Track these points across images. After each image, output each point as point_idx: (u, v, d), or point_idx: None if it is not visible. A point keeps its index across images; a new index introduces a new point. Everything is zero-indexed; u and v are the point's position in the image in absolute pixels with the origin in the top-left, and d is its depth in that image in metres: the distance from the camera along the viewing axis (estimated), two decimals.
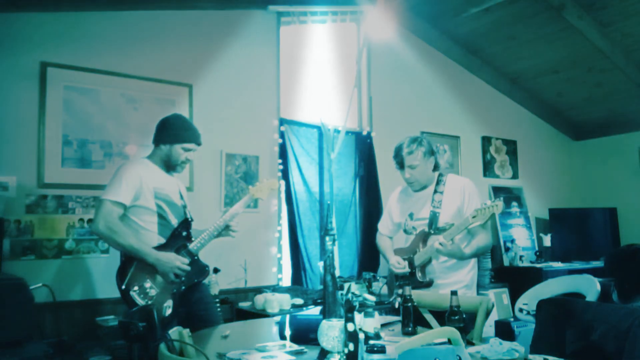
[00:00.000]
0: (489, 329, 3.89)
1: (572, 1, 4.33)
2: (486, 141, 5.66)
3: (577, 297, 3.26)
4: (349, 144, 4.55)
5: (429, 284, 2.62)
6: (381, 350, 1.64)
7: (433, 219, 2.63)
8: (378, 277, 3.99)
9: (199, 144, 2.65)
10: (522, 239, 5.59)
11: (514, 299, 4.12)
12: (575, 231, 5.71)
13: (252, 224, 3.87)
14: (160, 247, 2.46)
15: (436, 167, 2.75)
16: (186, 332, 1.69)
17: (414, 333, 2.02)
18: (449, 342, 1.43)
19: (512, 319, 4.10)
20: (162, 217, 2.51)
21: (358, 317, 1.60)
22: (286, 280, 4.05)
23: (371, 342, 1.69)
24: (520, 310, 3.70)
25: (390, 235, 2.94)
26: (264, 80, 4.16)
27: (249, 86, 4.05)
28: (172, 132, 2.58)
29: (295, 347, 1.83)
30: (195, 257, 2.55)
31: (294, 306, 3.50)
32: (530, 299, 3.64)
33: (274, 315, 3.14)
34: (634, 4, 4.22)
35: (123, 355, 2.68)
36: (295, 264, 4.05)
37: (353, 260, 4.46)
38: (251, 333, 2.27)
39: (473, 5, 4.45)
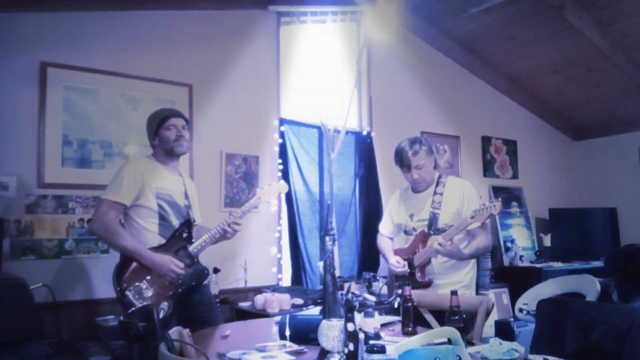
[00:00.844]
0: (489, 329, 3.90)
1: (572, 1, 4.33)
2: (486, 141, 5.66)
3: (577, 297, 3.26)
4: (349, 144, 4.55)
5: (428, 284, 2.63)
6: (381, 350, 1.64)
7: (433, 220, 2.64)
8: (378, 277, 3.99)
9: (178, 116, 2.58)
10: (522, 239, 5.59)
11: (514, 299, 4.12)
12: (575, 231, 5.71)
13: (252, 224, 3.87)
14: (159, 248, 2.44)
15: (435, 165, 2.77)
16: (186, 332, 1.69)
17: (414, 333, 2.02)
18: (449, 342, 1.43)
19: (512, 319, 4.11)
20: (163, 217, 2.48)
21: (358, 317, 1.60)
22: (286, 280, 4.05)
23: (371, 342, 1.69)
24: (520, 310, 3.70)
25: (390, 237, 2.95)
26: (264, 80, 4.16)
27: (249, 86, 4.05)
28: (151, 123, 2.57)
29: (295, 347, 1.83)
30: (195, 260, 2.52)
31: (294, 306, 3.50)
32: (530, 299, 3.64)
33: (274, 315, 3.14)
34: (634, 4, 4.22)
35: (123, 355, 2.68)
36: (295, 264, 4.05)
37: (353, 260, 4.46)
38: (251, 333, 2.27)
39: (473, 5, 4.45)
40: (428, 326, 2.33)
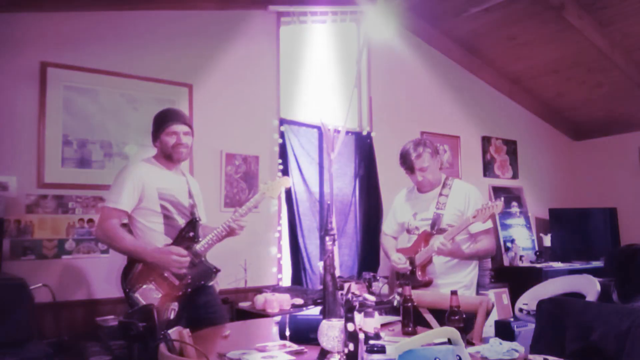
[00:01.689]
0: (489, 329, 3.90)
1: (572, 1, 4.33)
2: (486, 141, 5.66)
3: (577, 297, 3.26)
4: (349, 144, 4.55)
5: (428, 283, 2.63)
6: (381, 350, 1.64)
7: (436, 220, 2.65)
8: (378, 277, 3.99)
9: (180, 122, 2.55)
10: (522, 239, 5.59)
11: (514, 299, 4.12)
12: (575, 231, 5.71)
13: (252, 224, 3.86)
14: (165, 248, 2.43)
15: (441, 166, 2.78)
16: (186, 332, 1.69)
17: (414, 333, 2.02)
18: (449, 342, 1.43)
19: (512, 319, 4.10)
20: (167, 217, 2.47)
21: (358, 317, 1.60)
22: (286, 280, 4.05)
23: (371, 342, 1.69)
24: (520, 310, 3.70)
25: (394, 236, 2.96)
26: (264, 80, 4.16)
27: (249, 86, 4.05)
28: (155, 125, 2.56)
29: (295, 347, 1.83)
30: (202, 259, 2.51)
31: (294, 306, 3.50)
32: (530, 299, 3.64)
33: (274, 315, 3.14)
34: (634, 4, 4.22)
35: (123, 355, 2.68)
36: (295, 264, 4.04)
37: (353, 260, 4.46)
38: (251, 333, 2.27)
39: (473, 5, 4.45)
40: (428, 326, 2.33)
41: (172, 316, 2.34)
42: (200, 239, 2.51)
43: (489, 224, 2.61)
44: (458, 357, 1.38)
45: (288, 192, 4.06)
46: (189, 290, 2.43)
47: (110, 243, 2.39)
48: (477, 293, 2.80)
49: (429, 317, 2.42)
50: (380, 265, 4.36)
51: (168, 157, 2.54)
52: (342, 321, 1.52)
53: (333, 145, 4.13)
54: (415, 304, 2.11)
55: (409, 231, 2.81)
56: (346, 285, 1.79)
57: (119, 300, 3.28)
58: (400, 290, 2.12)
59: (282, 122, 4.17)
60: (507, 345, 1.70)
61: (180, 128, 2.53)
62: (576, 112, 6.03)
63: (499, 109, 5.82)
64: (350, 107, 4.39)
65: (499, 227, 5.43)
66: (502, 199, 2.42)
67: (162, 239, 2.45)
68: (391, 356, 1.56)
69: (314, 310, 2.45)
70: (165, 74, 3.66)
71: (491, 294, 4.66)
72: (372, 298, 3.52)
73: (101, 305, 3.24)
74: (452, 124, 5.32)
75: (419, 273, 2.65)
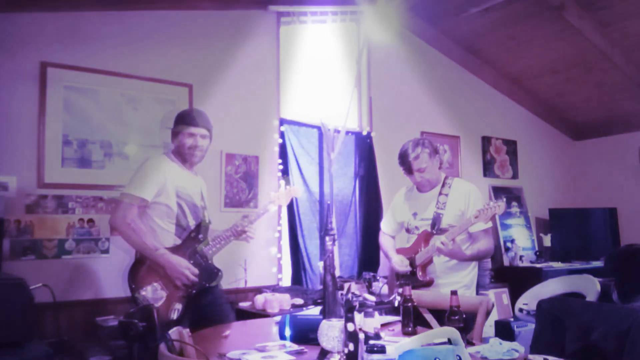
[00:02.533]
0: (489, 329, 3.90)
1: (572, 1, 4.33)
2: (486, 141, 5.66)
3: (577, 297, 3.26)
4: (349, 144, 4.55)
5: (429, 283, 2.63)
6: (381, 350, 1.64)
7: (436, 219, 2.64)
8: (378, 277, 3.99)
9: (200, 126, 2.56)
10: (522, 239, 5.59)
11: (514, 299, 4.12)
12: (575, 231, 5.71)
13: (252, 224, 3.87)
14: (174, 248, 2.45)
15: (440, 165, 2.77)
16: (186, 332, 1.69)
17: (414, 333, 2.02)
18: (449, 342, 1.43)
19: (512, 319, 4.11)
20: (180, 217, 2.50)
21: (358, 317, 1.60)
22: (286, 280, 4.05)
23: (371, 342, 1.69)
24: (520, 310, 3.70)
25: (392, 235, 2.95)
26: (264, 80, 4.16)
27: (249, 86, 4.05)
28: (175, 123, 2.59)
29: (295, 347, 1.83)
30: (209, 261, 2.53)
31: (294, 306, 3.50)
32: (530, 299, 3.64)
33: (274, 315, 3.14)
34: (634, 4, 4.22)
35: (123, 355, 2.68)
36: (295, 264, 4.04)
37: (353, 260, 4.46)
38: (251, 333, 2.27)
39: (473, 5, 4.44)
40: (428, 326, 2.33)
41: (175, 316, 2.36)
42: (208, 242, 2.54)
43: (488, 224, 2.60)
44: (458, 357, 1.38)
45: None
46: (193, 291, 2.44)
47: (130, 234, 2.37)
48: (477, 293, 2.80)
49: (429, 317, 2.42)
50: (380, 265, 4.36)
51: (182, 157, 2.57)
52: (342, 321, 1.52)
53: (333, 145, 4.13)
54: (415, 304, 2.11)
55: (408, 231, 2.80)
56: (346, 285, 1.79)
57: (119, 300, 3.28)
58: (400, 290, 2.12)
59: (282, 122, 4.17)
60: (507, 345, 1.70)
61: (198, 131, 2.56)
62: (576, 112, 6.03)
63: (499, 109, 5.82)
64: (350, 107, 4.39)
65: (499, 227, 5.43)
66: (504, 199, 2.42)
67: (172, 239, 2.47)
68: (391, 356, 1.56)
69: (314, 310, 2.45)
70: (165, 74, 3.66)
71: (491, 294, 4.66)
72: (372, 298, 3.52)
73: (101, 305, 3.24)
74: (452, 124, 5.32)
75: (419, 273, 2.65)
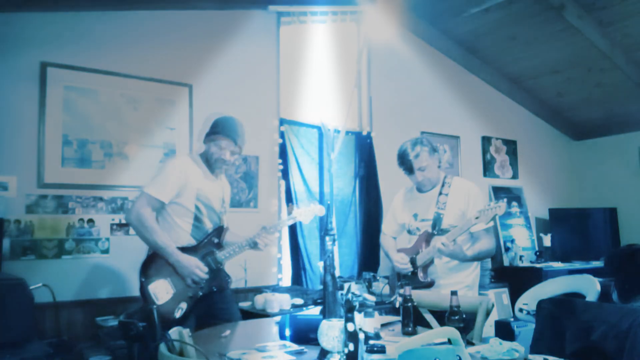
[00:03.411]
0: (489, 329, 3.90)
1: (572, 1, 4.33)
2: (486, 141, 5.66)
3: (577, 297, 3.26)
4: (349, 144, 4.55)
5: (430, 284, 2.62)
6: (381, 350, 1.64)
7: (437, 220, 2.63)
8: (378, 277, 3.99)
9: (231, 139, 2.54)
10: (522, 239, 5.59)
11: (514, 299, 4.12)
12: (575, 231, 5.71)
13: (252, 223, 3.87)
14: (189, 249, 2.47)
15: (439, 164, 2.76)
16: (186, 332, 1.69)
17: (414, 333, 2.02)
18: (449, 342, 1.43)
19: (512, 319, 4.11)
20: (198, 218, 2.52)
21: (358, 317, 1.60)
22: (286, 280, 4.05)
23: (371, 342, 1.69)
24: (520, 310, 3.70)
25: (394, 236, 2.95)
26: (264, 80, 4.16)
27: (249, 86, 4.05)
28: (211, 130, 2.59)
29: (295, 347, 1.83)
30: (220, 266, 2.55)
31: (294, 306, 3.50)
32: (530, 299, 3.64)
33: (274, 315, 3.14)
34: (634, 4, 4.22)
35: (123, 355, 2.68)
36: (295, 264, 4.04)
37: (353, 260, 4.46)
38: (251, 333, 2.27)
39: (473, 5, 4.45)
40: (428, 326, 2.33)
41: (178, 315, 2.37)
42: (223, 247, 2.56)
43: (490, 223, 2.59)
44: (458, 357, 1.38)
45: (288, 192, 4.06)
46: (200, 294, 2.47)
47: (143, 231, 2.40)
48: (478, 293, 2.79)
49: (429, 317, 2.41)
50: (380, 265, 4.36)
51: (209, 163, 2.59)
52: (342, 321, 1.52)
53: (333, 145, 4.12)
54: (415, 304, 2.11)
55: (409, 232, 2.79)
56: (346, 285, 1.79)
57: (119, 300, 3.29)
58: (401, 291, 2.12)
59: (282, 122, 4.17)
60: (507, 345, 1.70)
61: (228, 144, 2.55)
62: (576, 112, 6.03)
63: (499, 109, 5.82)
64: (350, 107, 4.39)
65: (499, 227, 5.43)
66: (505, 200, 2.42)
67: (187, 238, 2.49)
68: (391, 356, 1.56)
69: (314, 310, 2.45)
70: (165, 74, 3.66)
71: (491, 294, 4.66)
72: (372, 298, 3.52)
73: (101, 305, 3.24)
74: (452, 124, 5.32)
75: (420, 274, 2.64)
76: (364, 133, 4.62)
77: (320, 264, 1.91)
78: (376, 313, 1.84)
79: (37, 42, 3.23)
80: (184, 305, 2.40)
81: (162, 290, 2.39)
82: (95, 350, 2.82)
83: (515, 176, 5.87)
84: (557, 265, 5.24)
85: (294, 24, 4.37)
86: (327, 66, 4.63)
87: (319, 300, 3.50)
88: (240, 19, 4.06)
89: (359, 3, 4.49)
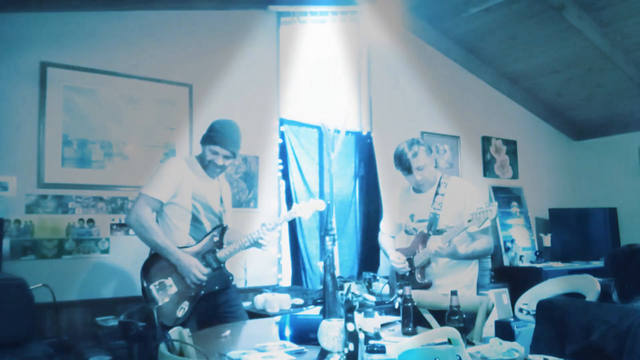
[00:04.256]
0: (489, 329, 3.90)
1: (572, 1, 4.33)
2: (486, 141, 5.66)
3: (577, 297, 3.26)
4: (349, 144, 4.55)
5: (427, 286, 2.62)
6: (381, 350, 1.64)
7: (433, 220, 2.63)
8: (378, 277, 3.99)
9: (225, 147, 2.56)
10: (522, 239, 5.59)
11: (514, 299, 4.12)
12: (575, 231, 5.70)
13: (252, 223, 3.87)
14: (189, 249, 2.48)
15: (435, 164, 2.76)
16: (186, 332, 1.69)
17: (414, 333, 2.02)
18: (449, 342, 1.43)
19: (512, 319, 4.10)
20: (195, 218, 2.53)
21: (358, 317, 1.60)
22: (286, 280, 4.05)
23: (371, 342, 1.70)
24: (520, 310, 3.70)
25: (392, 235, 2.95)
26: (264, 80, 4.16)
27: (249, 86, 4.05)
28: (207, 134, 2.61)
29: (295, 347, 1.83)
30: (221, 265, 2.56)
31: (294, 306, 3.50)
32: (530, 299, 3.64)
33: (274, 315, 3.14)
34: (634, 4, 4.22)
35: (123, 355, 2.68)
36: (295, 264, 4.04)
37: (353, 260, 4.46)
38: (251, 333, 2.27)
39: (473, 5, 4.44)
40: (428, 326, 2.33)
41: (180, 315, 2.38)
42: (224, 246, 2.57)
43: (486, 223, 2.59)
44: (458, 357, 1.38)
45: (288, 192, 4.06)
46: (202, 292, 2.47)
47: (142, 232, 2.42)
48: (477, 293, 2.79)
49: (429, 317, 2.41)
50: (380, 265, 4.36)
51: (204, 165, 2.61)
52: (342, 321, 1.52)
53: (333, 145, 4.12)
54: (415, 304, 2.11)
55: (406, 232, 2.79)
56: (346, 285, 1.79)
57: (119, 300, 3.29)
58: (400, 291, 2.12)
59: (282, 122, 4.17)
60: (507, 345, 1.70)
61: (222, 151, 2.57)
62: (576, 112, 6.03)
63: (499, 109, 5.82)
64: (350, 107, 4.39)
65: (499, 227, 5.43)
66: (496, 203, 2.41)
67: (186, 238, 2.51)
68: (391, 356, 1.56)
69: (314, 310, 2.45)
70: (165, 74, 3.66)
71: (491, 294, 4.66)
72: (372, 298, 3.52)
73: (101, 305, 3.24)
74: (452, 124, 5.32)
75: (418, 275, 2.64)
76: (364, 133, 4.62)
77: (320, 264, 1.92)
78: (376, 313, 1.84)
79: (37, 42, 3.23)
80: (186, 305, 2.42)
81: (164, 291, 2.40)
82: (95, 350, 2.82)
83: (515, 176, 5.87)
84: (557, 265, 5.24)
85: (294, 24, 4.37)
86: (327, 66, 4.63)
87: (319, 300, 3.50)
88: (240, 19, 4.06)
89: (359, 3, 4.49)
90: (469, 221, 2.41)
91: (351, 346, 1.45)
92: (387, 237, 2.95)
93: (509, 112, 5.92)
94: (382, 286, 3.81)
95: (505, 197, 5.64)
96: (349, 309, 1.48)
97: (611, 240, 5.60)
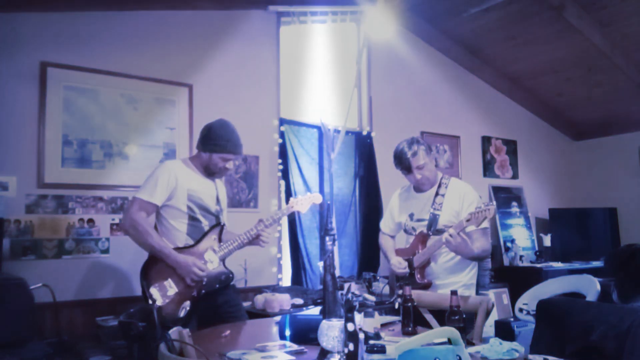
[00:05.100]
0: (489, 329, 3.90)
1: (572, 1, 4.33)
2: (486, 141, 5.66)
3: (577, 297, 3.26)
4: (349, 144, 4.55)
5: (427, 286, 2.62)
6: (381, 350, 1.64)
7: (433, 220, 2.63)
8: (378, 277, 3.99)
9: (237, 154, 2.63)
10: (522, 239, 5.59)
11: (514, 299, 4.12)
12: (575, 231, 5.71)
13: (252, 223, 3.86)
14: (187, 249, 2.48)
15: (435, 164, 2.76)
16: (186, 332, 1.69)
17: (414, 333, 2.02)
18: (449, 342, 1.43)
19: (512, 319, 4.11)
20: (192, 218, 2.54)
21: (358, 317, 1.60)
22: (286, 280, 4.05)
23: (371, 342, 1.69)
24: (520, 310, 3.70)
25: (392, 234, 2.95)
26: (264, 80, 4.16)
27: (249, 86, 4.05)
28: (213, 141, 2.59)
29: (295, 347, 1.83)
30: (221, 262, 2.56)
31: (294, 306, 3.50)
32: (530, 299, 3.64)
33: (274, 315, 3.14)
34: (634, 4, 4.22)
35: (123, 355, 2.69)
36: (295, 264, 4.04)
37: (353, 260, 4.46)
38: (251, 333, 2.27)
39: (473, 5, 4.45)
40: (428, 326, 2.33)
41: (182, 314, 2.38)
42: (222, 244, 2.57)
43: (485, 224, 2.58)
44: (458, 357, 1.38)
45: (288, 192, 4.06)
46: (203, 291, 2.48)
47: (136, 236, 2.43)
48: (477, 293, 2.79)
49: (429, 317, 2.41)
50: (380, 265, 4.36)
51: (207, 170, 2.62)
52: (342, 321, 1.52)
53: (333, 145, 4.13)
54: (415, 304, 2.11)
55: (406, 231, 2.79)
56: (346, 285, 1.79)
57: (119, 300, 3.29)
58: (400, 291, 2.12)
59: (282, 122, 4.17)
60: (507, 345, 1.70)
61: (234, 157, 2.63)
62: (576, 112, 6.03)
63: (499, 108, 5.82)
64: (350, 107, 4.39)
65: (499, 227, 5.43)
66: (494, 202, 2.41)
67: (184, 238, 2.52)
68: (391, 356, 1.56)
69: (314, 310, 2.45)
70: (165, 74, 3.66)
71: (491, 294, 4.66)
72: (372, 298, 3.52)
73: (101, 305, 3.24)
74: (452, 124, 5.32)
75: (417, 276, 2.64)
76: (364, 133, 4.62)
77: (320, 264, 1.91)
78: (376, 313, 1.84)
79: (37, 42, 3.23)
80: (187, 305, 2.42)
81: (164, 291, 2.41)
82: (95, 350, 2.82)
83: (515, 176, 5.88)
84: (557, 265, 5.24)
85: (294, 24, 4.37)
86: (327, 66, 4.63)
87: (319, 300, 3.50)
88: (240, 19, 4.06)
89: (359, 3, 4.48)
90: (467, 220, 2.40)
91: (351, 346, 1.45)
92: (388, 239, 2.94)
93: (508, 112, 5.92)
94: (382, 286, 3.81)
95: (505, 197, 5.64)
96: (349, 309, 1.48)
97: (611, 240, 5.60)
